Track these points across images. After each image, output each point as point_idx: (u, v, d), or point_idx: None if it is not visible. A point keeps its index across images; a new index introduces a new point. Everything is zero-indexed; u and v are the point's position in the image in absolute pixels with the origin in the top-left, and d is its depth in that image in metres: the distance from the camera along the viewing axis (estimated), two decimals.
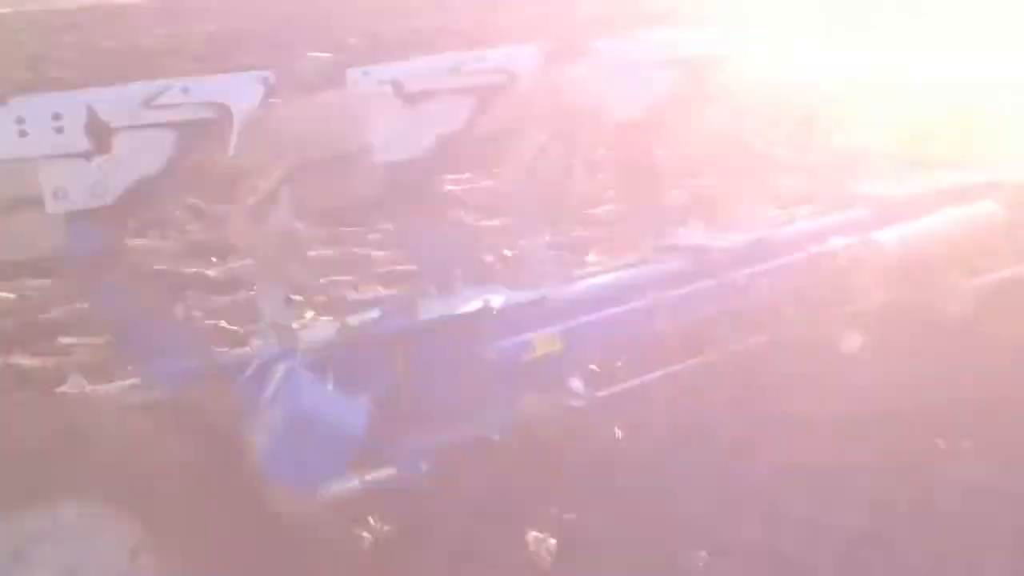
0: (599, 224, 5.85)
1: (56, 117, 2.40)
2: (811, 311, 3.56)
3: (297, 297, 3.84)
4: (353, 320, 2.78)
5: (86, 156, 2.45)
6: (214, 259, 5.98)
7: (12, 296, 5.52)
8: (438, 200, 3.44)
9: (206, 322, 4.86)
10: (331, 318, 2.89)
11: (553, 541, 3.03)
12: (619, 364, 3.39)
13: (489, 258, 3.83)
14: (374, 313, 2.82)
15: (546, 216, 3.67)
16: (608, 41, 3.56)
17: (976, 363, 3.78)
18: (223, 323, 4.80)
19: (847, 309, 3.64)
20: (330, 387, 2.61)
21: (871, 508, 3.14)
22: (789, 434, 3.48)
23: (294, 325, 2.84)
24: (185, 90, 2.55)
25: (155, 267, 5.75)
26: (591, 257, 4.97)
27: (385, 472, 2.75)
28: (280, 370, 2.59)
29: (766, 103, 4.03)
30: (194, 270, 5.82)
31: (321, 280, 5.14)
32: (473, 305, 2.93)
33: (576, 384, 3.12)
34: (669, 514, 3.14)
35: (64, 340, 4.82)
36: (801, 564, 2.91)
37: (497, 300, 2.97)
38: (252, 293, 3.57)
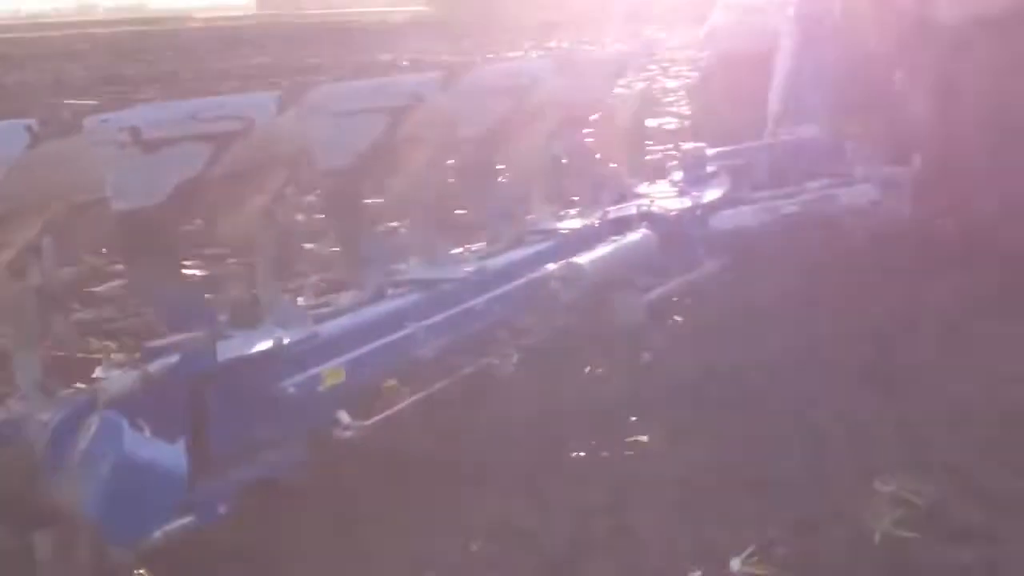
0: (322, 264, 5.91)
1: None
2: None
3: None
4: (154, 366, 2.74)
5: None
6: None
7: None
8: (175, 246, 3.39)
9: None
10: (129, 366, 2.79)
11: None
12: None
13: (233, 300, 3.80)
14: (173, 357, 2.78)
15: (280, 257, 3.75)
16: (325, 87, 3.74)
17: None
18: None
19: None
20: (147, 433, 2.57)
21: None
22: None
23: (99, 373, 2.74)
24: None
25: None
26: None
27: (185, 519, 2.72)
28: (92, 422, 2.51)
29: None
30: None
31: None
32: (266, 344, 2.98)
33: (343, 416, 3.26)
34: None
35: None
36: None
37: (285, 338, 3.04)
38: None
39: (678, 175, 5.50)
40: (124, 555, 2.58)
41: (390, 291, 3.74)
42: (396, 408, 3.46)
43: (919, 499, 3.26)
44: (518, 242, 4.48)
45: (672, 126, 10.31)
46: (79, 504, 2.44)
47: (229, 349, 2.90)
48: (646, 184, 5.49)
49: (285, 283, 3.74)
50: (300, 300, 3.77)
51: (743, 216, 5.15)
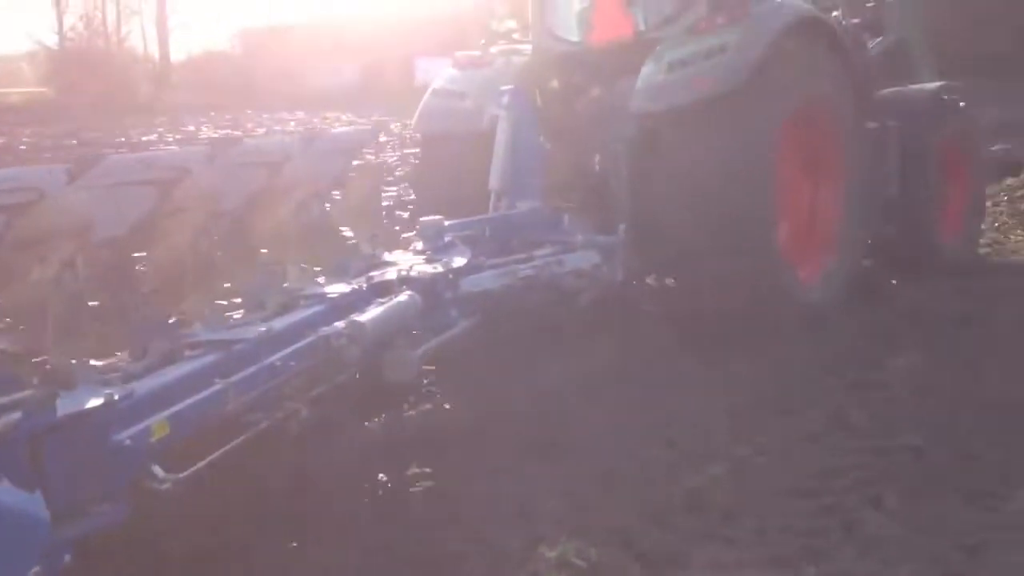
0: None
1: None
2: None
3: None
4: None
5: None
6: None
7: None
8: None
9: None
10: None
11: None
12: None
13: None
14: (16, 414, 2.93)
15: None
16: (112, 158, 4.00)
17: None
18: None
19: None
20: (5, 483, 2.74)
21: None
22: None
23: None
24: None
25: None
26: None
27: (35, 568, 2.87)
28: None
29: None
30: None
31: None
32: (97, 399, 3.18)
33: (158, 469, 3.48)
34: None
35: None
36: None
37: (114, 394, 3.25)
38: None
39: (419, 244, 5.97)
40: None
41: (187, 352, 4.00)
42: (205, 462, 3.70)
43: (583, 561, 3.75)
44: (288, 307, 4.80)
45: (407, 197, 10.82)
46: None
47: (67, 405, 3.08)
48: (397, 252, 5.96)
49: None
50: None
51: (488, 279, 5.73)
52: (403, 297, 5.00)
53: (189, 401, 3.57)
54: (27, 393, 2.99)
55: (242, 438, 3.87)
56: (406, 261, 5.64)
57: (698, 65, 6.36)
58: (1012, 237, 10.16)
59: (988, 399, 5.44)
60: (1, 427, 2.89)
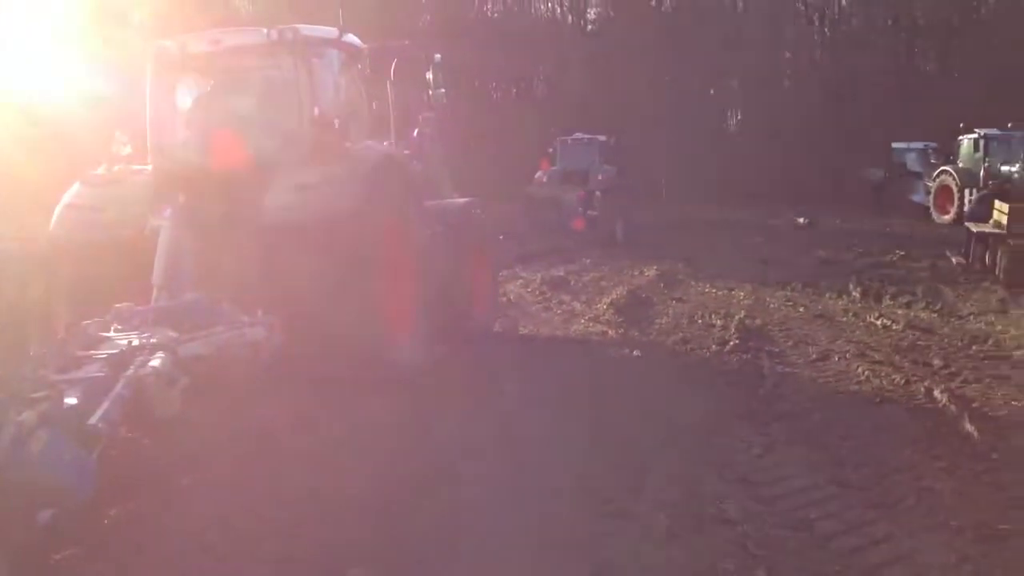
0: None
1: None
2: None
3: None
4: None
5: None
6: None
7: None
8: None
9: None
10: None
11: None
12: None
13: None
14: None
15: None
16: None
17: None
18: None
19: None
20: None
21: None
22: None
23: None
24: None
25: None
26: None
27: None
28: None
29: None
30: None
31: None
32: None
33: None
34: None
35: None
36: None
37: None
38: None
39: (117, 325, 6.88)
40: None
41: None
42: None
43: None
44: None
45: None
46: None
47: None
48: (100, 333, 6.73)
49: None
50: None
51: (199, 347, 6.79)
52: (156, 361, 6.06)
53: None
54: None
55: None
56: (122, 338, 6.50)
57: (318, 190, 8.21)
58: None
59: None
60: None
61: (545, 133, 29.44)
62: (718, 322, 12.57)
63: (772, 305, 14.01)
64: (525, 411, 8.33)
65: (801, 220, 28.34)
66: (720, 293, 15.29)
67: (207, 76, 9.36)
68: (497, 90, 44.06)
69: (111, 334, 6.64)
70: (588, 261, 19.41)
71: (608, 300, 14.33)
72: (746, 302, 14.26)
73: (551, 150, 26.98)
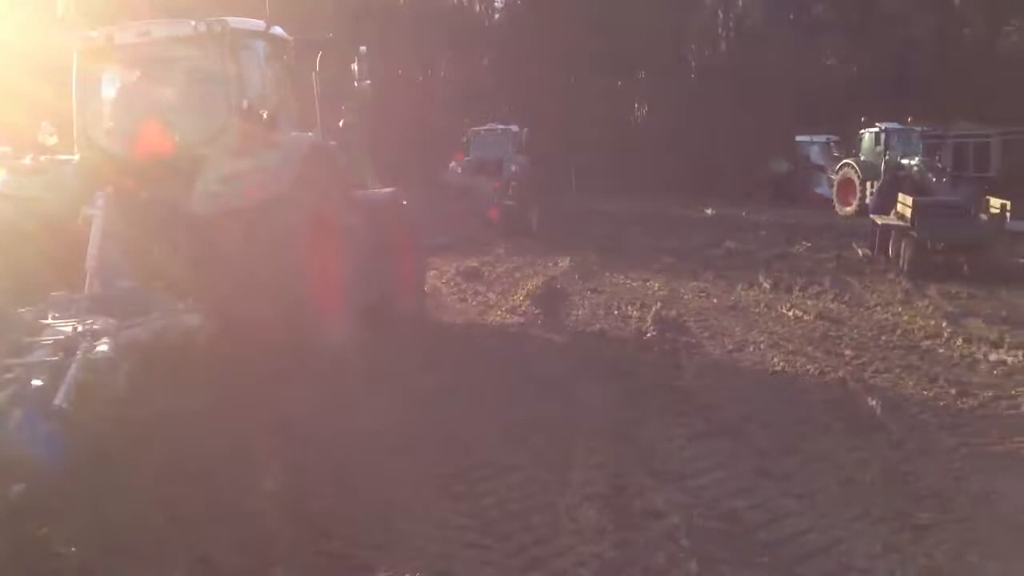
0: None
1: None
2: None
3: None
4: None
5: None
6: None
7: None
8: None
9: None
10: None
11: None
12: None
13: None
14: None
15: None
16: None
17: None
18: None
19: None
20: None
21: None
22: None
23: None
24: None
25: None
26: None
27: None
28: None
29: None
30: None
31: None
32: None
33: None
34: None
35: None
36: None
37: None
38: None
39: (55, 312, 7.05)
40: None
41: None
42: None
43: None
44: None
45: None
46: None
47: None
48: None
49: None
50: None
51: (132, 334, 6.97)
52: (104, 346, 6.26)
53: None
54: None
55: None
56: (64, 325, 6.63)
57: (248, 179, 8.35)
58: None
59: None
60: None
61: (456, 123, 29.38)
62: (634, 313, 12.66)
63: (686, 296, 14.17)
64: (445, 404, 8.26)
65: (709, 211, 28.81)
66: (635, 284, 15.41)
67: (135, 67, 9.32)
68: (403, 78, 43.73)
69: (51, 321, 6.75)
70: (501, 251, 19.38)
71: (524, 291, 14.33)
72: (661, 293, 14.39)
73: (464, 139, 26.98)
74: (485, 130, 27.05)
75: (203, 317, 7.70)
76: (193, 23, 8.92)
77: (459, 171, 25.32)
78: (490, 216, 22.75)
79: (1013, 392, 8.49)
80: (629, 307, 13.11)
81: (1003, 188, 25.22)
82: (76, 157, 9.26)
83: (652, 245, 20.75)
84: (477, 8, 47.77)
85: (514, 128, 26.89)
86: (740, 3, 47.51)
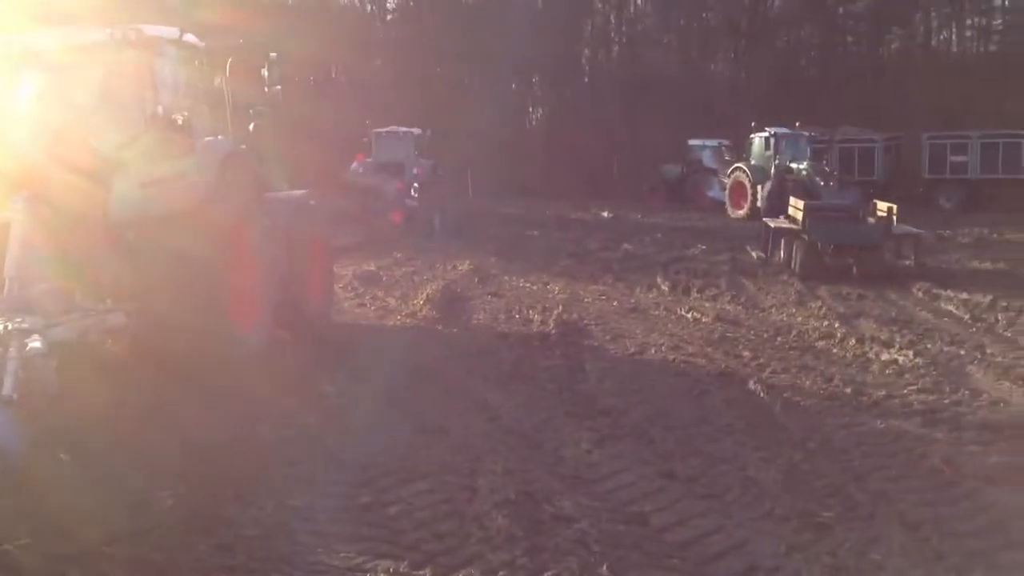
0: None
1: None
2: None
3: None
4: None
5: None
6: None
7: None
8: None
9: None
10: None
11: None
12: None
13: None
14: None
15: None
16: None
17: None
18: None
19: None
20: None
21: None
22: None
23: None
24: None
25: None
26: None
27: None
28: None
29: None
30: None
31: None
32: None
33: None
34: None
35: None
36: None
37: None
38: None
39: None
40: None
41: None
42: None
43: None
44: None
45: None
46: None
47: None
48: None
49: None
50: None
51: (66, 331, 7.32)
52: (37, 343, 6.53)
53: None
54: None
55: None
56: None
57: (167, 185, 8.56)
58: None
59: None
60: None
61: (356, 124, 29.04)
62: (536, 317, 12.67)
63: (587, 299, 14.25)
64: (348, 411, 8.14)
65: (606, 214, 29.09)
66: (535, 287, 15.44)
67: (50, 73, 9.01)
68: (296, 78, 43.02)
69: None
70: (399, 255, 19.23)
71: (423, 296, 14.22)
72: (561, 296, 14.44)
73: (366, 139, 26.73)
74: (387, 132, 26.84)
75: (126, 316, 7.95)
76: (108, 30, 8.81)
77: (360, 172, 25.09)
78: (393, 218, 22.63)
79: (905, 391, 8.73)
80: (530, 311, 13.12)
81: (887, 192, 26.24)
82: None
83: (550, 248, 20.85)
84: (368, 8, 47.37)
85: (416, 131, 26.74)
86: (632, 9, 48.12)
